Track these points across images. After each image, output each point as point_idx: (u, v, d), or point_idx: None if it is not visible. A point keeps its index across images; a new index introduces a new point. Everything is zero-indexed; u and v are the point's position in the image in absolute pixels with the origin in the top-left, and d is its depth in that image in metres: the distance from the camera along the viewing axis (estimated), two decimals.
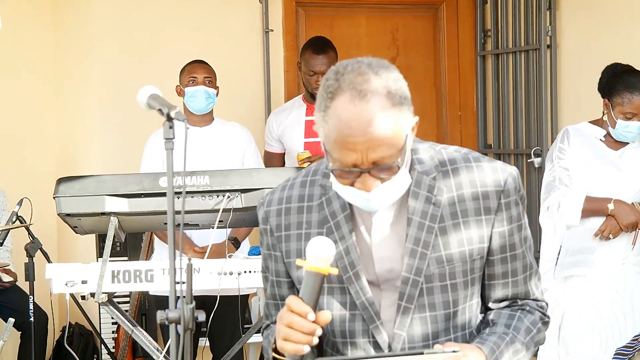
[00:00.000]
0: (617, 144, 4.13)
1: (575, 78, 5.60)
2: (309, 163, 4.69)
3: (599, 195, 4.05)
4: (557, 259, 4.08)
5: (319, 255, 1.80)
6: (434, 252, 1.92)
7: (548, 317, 2.06)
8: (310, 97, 4.93)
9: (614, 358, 3.71)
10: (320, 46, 4.94)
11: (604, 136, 4.11)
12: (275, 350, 1.91)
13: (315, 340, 1.81)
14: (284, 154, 4.99)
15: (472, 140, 6.17)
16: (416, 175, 1.93)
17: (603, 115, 4.11)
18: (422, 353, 1.78)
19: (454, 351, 1.79)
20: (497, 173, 1.96)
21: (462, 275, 1.94)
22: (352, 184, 1.84)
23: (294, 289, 2.03)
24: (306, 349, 1.80)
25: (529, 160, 5.79)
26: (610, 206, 4.02)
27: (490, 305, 2.02)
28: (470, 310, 1.98)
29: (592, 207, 4.04)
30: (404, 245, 1.92)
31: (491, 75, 6.15)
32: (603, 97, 4.13)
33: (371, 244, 1.95)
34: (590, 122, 4.19)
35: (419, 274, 1.92)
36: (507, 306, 2.02)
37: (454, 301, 1.94)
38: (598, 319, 4.02)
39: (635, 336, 3.73)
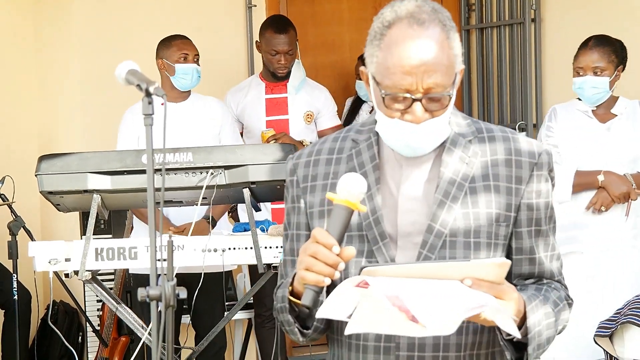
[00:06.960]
0: (606, 116, 4.10)
1: (560, 52, 5.58)
2: (274, 140, 4.70)
3: (590, 169, 4.02)
4: None
5: (350, 189, 1.78)
6: (462, 209, 1.90)
7: (572, 300, 2.03)
8: (271, 76, 4.93)
9: (597, 331, 3.72)
10: (281, 25, 4.90)
11: (596, 107, 4.08)
12: (292, 293, 1.88)
13: (337, 275, 1.78)
14: (242, 132, 4.97)
15: None
16: (453, 135, 1.94)
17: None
18: (469, 260, 1.80)
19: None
20: (532, 146, 1.96)
21: (486, 237, 1.91)
22: (400, 117, 1.84)
23: None
24: (327, 281, 1.77)
25: None
26: (600, 177, 3.98)
27: (516, 282, 1.99)
28: None
29: (583, 181, 4.01)
30: (434, 196, 1.91)
31: (475, 50, 6.13)
32: None
33: (398, 196, 1.93)
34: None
35: (445, 226, 1.90)
36: (532, 283, 2.00)
37: None
38: (588, 293, 3.99)
39: (619, 309, 3.74)
